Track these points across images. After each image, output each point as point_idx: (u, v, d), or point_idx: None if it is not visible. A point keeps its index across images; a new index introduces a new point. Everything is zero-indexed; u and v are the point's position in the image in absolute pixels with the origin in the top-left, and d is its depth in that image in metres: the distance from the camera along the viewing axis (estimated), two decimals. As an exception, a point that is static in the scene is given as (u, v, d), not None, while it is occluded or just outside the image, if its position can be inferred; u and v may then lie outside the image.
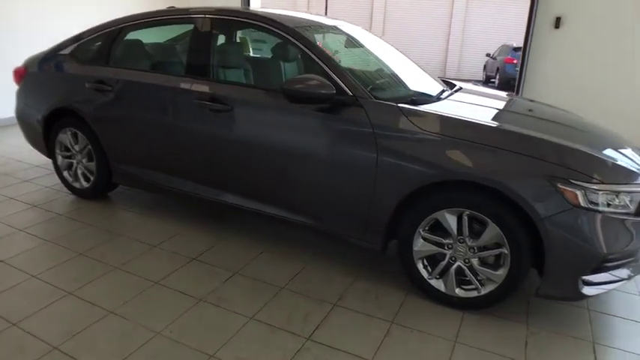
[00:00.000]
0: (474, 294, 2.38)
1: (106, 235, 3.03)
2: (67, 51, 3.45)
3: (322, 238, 2.88)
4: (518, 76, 5.93)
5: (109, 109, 3.19)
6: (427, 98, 2.73)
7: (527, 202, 2.10)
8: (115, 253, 2.80)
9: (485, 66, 16.68)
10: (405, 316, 2.36)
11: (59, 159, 3.59)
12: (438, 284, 2.45)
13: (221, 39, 3.16)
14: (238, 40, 3.52)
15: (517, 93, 5.89)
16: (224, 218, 3.32)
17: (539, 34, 5.61)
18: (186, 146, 2.91)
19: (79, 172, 3.52)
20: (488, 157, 2.20)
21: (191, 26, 2.98)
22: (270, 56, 3.26)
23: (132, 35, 3.24)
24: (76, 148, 3.47)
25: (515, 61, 13.10)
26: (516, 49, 14.11)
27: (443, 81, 3.40)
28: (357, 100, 2.44)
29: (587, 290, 2.17)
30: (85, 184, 3.51)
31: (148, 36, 3.27)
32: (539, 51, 5.66)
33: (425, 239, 2.40)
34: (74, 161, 3.53)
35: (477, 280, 2.36)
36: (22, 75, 3.62)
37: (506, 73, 13.67)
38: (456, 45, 19.28)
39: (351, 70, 2.63)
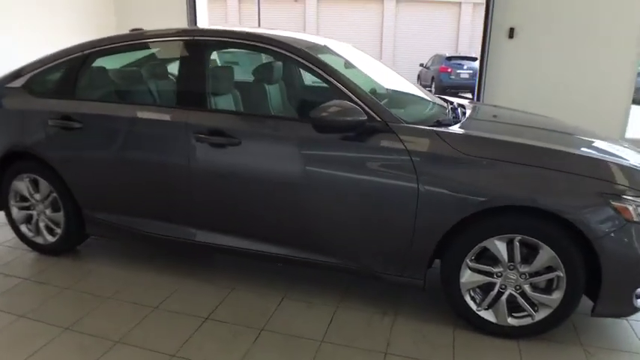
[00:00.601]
0: (528, 321, 2.25)
1: (90, 300, 2.53)
2: (16, 83, 2.91)
3: (350, 277, 2.63)
4: (477, 84, 6.10)
5: (80, 149, 2.72)
6: (450, 119, 2.57)
7: (584, 222, 2.01)
8: (111, 323, 2.32)
9: (419, 76, 17.28)
10: (463, 356, 2.17)
11: (14, 211, 3.02)
12: (488, 315, 2.29)
13: (218, 63, 2.82)
14: (238, 65, 3.20)
15: (478, 99, 6.06)
16: (215, 263, 2.97)
17: (496, 43, 5.80)
18: (181, 187, 2.53)
19: (42, 224, 2.97)
20: (540, 178, 2.08)
21: (176, 50, 2.62)
22: (277, 82, 2.96)
23: (102, 62, 2.80)
24: (37, 197, 2.93)
25: (449, 70, 13.65)
26: (449, 58, 14.75)
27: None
28: (388, 125, 2.23)
29: None
30: (50, 239, 2.97)
31: (121, 62, 2.84)
32: (496, 59, 5.86)
33: (472, 270, 2.24)
34: (34, 212, 2.98)
35: (530, 306, 2.23)
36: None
37: (441, 82, 14.20)
38: (387, 57, 19.87)
39: (372, 94, 2.42)
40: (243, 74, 3.35)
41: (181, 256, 3.01)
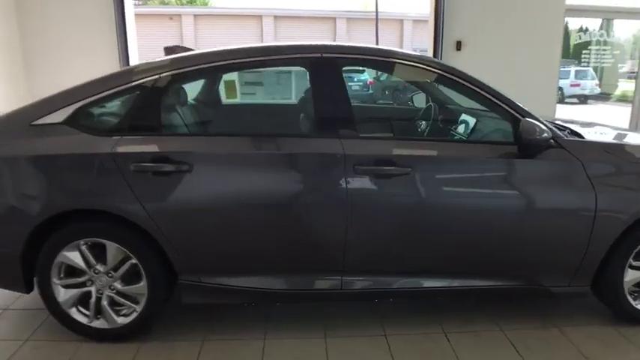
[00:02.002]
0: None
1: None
2: (52, 118, 2.13)
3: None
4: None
5: (185, 198, 2.09)
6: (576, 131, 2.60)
7: None
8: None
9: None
10: None
11: (60, 292, 2.20)
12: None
13: (360, 83, 2.43)
14: (262, 85, 2.78)
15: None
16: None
17: (446, 55, 6.18)
18: (335, 228, 2.13)
19: (105, 302, 2.21)
20: None
21: (295, 70, 2.20)
22: (426, 102, 2.67)
23: (188, 86, 2.20)
24: (100, 268, 2.18)
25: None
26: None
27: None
28: (556, 140, 2.20)
29: None
30: (121, 320, 2.22)
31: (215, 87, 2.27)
32: (447, 70, 6.23)
33: (633, 268, 2.32)
34: (92, 289, 2.21)
35: None
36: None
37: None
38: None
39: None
40: (267, 95, 2.99)
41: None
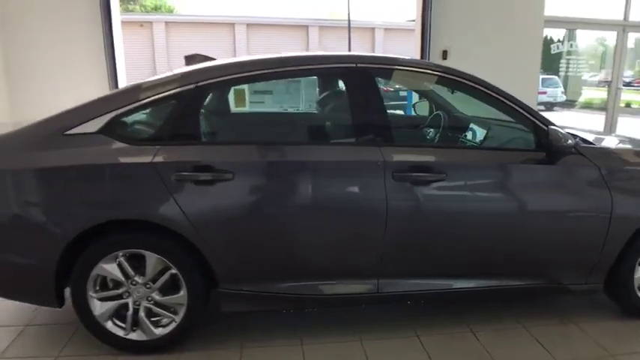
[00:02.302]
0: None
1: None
2: (86, 128, 2.10)
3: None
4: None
5: (229, 206, 2.11)
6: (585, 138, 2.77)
7: None
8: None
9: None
10: None
11: (96, 305, 2.16)
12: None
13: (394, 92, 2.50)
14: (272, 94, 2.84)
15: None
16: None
17: (433, 64, 6.38)
18: (373, 233, 2.20)
19: (143, 313, 2.19)
20: None
21: (332, 78, 2.27)
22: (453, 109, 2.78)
23: (225, 97, 2.23)
24: (139, 279, 2.16)
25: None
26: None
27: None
28: (575, 147, 2.35)
29: None
30: (160, 331, 2.21)
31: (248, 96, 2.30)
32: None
33: (641, 264, 2.50)
34: (129, 301, 2.18)
35: None
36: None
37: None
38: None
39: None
40: (276, 104, 3.05)
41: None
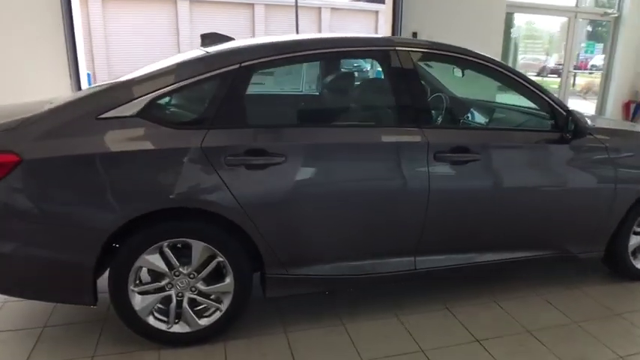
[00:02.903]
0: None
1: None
2: (122, 111, 1.96)
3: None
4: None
5: (281, 190, 2.08)
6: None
7: None
8: None
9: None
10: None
11: (137, 300, 2.05)
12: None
13: (430, 76, 2.52)
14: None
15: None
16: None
17: (403, 46, 6.50)
18: (415, 213, 2.27)
19: (186, 304, 2.11)
20: None
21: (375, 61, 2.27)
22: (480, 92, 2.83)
23: (270, 78, 2.16)
24: (183, 269, 2.07)
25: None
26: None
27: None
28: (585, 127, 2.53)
29: None
30: (204, 322, 2.15)
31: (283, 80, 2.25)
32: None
33: (636, 233, 2.80)
34: (172, 292, 2.10)
35: None
36: (10, 166, 1.84)
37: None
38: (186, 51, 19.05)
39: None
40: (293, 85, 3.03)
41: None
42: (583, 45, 8.37)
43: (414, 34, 6.55)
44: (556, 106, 2.49)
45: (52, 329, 2.31)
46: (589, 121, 2.53)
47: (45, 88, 5.70)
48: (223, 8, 19.77)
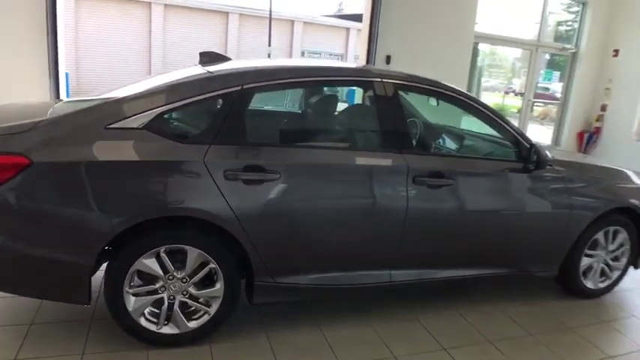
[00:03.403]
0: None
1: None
2: (129, 123, 2.07)
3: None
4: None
5: (274, 204, 2.24)
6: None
7: None
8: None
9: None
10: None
11: (130, 301, 2.15)
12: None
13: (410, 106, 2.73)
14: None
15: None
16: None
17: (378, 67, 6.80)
18: (393, 230, 2.48)
19: (177, 307, 2.21)
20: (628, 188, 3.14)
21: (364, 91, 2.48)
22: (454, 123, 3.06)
23: (266, 101, 2.33)
24: (177, 274, 2.19)
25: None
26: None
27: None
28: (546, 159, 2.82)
29: None
30: (192, 325, 2.26)
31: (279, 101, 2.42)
32: (377, 81, 6.87)
33: (587, 255, 3.10)
34: (164, 295, 2.20)
35: None
36: (19, 168, 1.92)
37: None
38: (157, 66, 18.93)
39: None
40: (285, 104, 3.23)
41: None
42: (542, 72, 8.93)
43: (388, 58, 6.88)
44: (520, 138, 2.78)
45: (39, 326, 2.36)
46: (548, 154, 2.82)
47: (24, 87, 5.64)
48: (198, 15, 19.75)
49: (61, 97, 5.89)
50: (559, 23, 8.72)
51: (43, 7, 5.48)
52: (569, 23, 8.48)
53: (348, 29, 24.66)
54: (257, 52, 21.07)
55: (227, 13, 20.46)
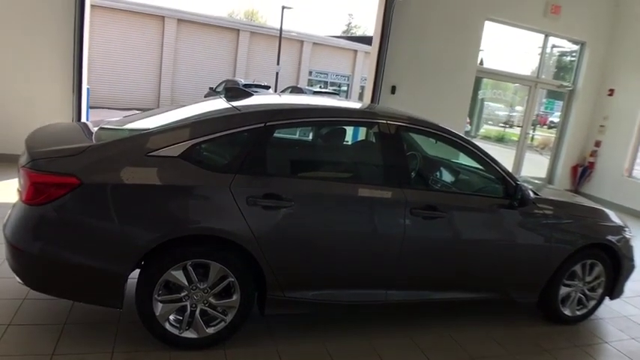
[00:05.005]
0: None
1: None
2: (166, 152, 2.41)
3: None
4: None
5: (287, 228, 2.56)
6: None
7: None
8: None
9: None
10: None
11: (158, 307, 2.46)
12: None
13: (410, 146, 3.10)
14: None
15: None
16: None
17: (383, 97, 7.21)
18: (391, 254, 2.80)
19: (198, 314, 2.53)
20: (606, 226, 3.46)
21: (369, 131, 2.83)
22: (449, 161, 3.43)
23: (285, 136, 2.67)
24: (200, 285, 2.50)
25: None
26: (248, 85, 15.61)
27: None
28: (530, 197, 3.16)
29: None
30: (210, 331, 2.57)
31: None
32: (382, 109, 7.25)
33: (565, 285, 3.40)
34: (187, 304, 2.51)
35: None
36: (70, 187, 2.26)
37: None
38: (167, 80, 19.49)
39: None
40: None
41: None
42: (544, 101, 9.22)
43: (393, 88, 7.27)
44: (507, 177, 3.11)
45: (72, 326, 2.66)
46: (531, 194, 3.13)
47: (48, 102, 6.02)
48: (210, 30, 20.36)
49: (82, 111, 6.27)
50: (558, 61, 9.13)
51: (70, 26, 5.88)
52: (568, 61, 8.88)
53: (355, 51, 25.30)
54: (265, 69, 21.63)
55: (238, 30, 21.10)
